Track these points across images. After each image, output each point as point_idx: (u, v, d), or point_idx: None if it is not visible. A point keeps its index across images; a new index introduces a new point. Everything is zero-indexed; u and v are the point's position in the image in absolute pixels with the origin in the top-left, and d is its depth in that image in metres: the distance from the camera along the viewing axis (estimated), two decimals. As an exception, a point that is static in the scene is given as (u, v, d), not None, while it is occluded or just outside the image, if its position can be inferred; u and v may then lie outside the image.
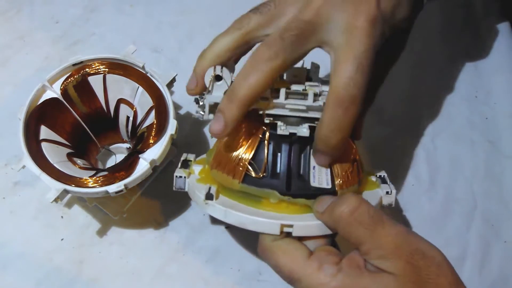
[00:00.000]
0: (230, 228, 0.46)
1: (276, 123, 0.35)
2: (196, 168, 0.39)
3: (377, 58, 0.32)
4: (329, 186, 0.35)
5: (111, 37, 0.55)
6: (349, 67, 0.31)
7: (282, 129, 0.34)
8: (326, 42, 0.32)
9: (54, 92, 0.42)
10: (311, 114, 0.35)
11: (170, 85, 0.43)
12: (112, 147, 0.47)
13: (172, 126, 0.40)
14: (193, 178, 0.38)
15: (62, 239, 0.44)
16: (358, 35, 0.31)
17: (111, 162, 0.48)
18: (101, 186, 0.38)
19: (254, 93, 0.32)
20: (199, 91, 0.35)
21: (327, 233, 0.33)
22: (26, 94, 0.41)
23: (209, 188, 0.35)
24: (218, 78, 0.34)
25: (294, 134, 0.34)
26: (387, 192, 0.38)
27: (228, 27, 0.35)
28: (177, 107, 0.50)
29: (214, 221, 0.46)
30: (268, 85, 0.32)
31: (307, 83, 0.35)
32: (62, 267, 0.43)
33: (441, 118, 0.54)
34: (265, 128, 0.35)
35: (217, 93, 0.35)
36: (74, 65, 0.42)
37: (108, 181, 0.38)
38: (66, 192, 0.38)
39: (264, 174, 0.34)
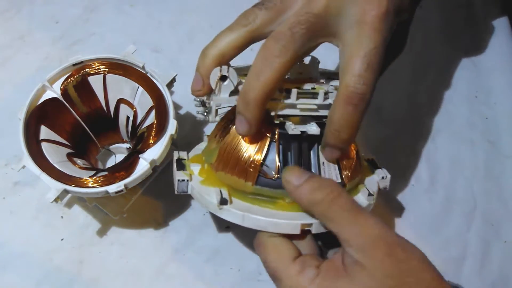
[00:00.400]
0: (230, 228, 0.46)
1: (284, 123, 0.35)
2: (194, 168, 0.38)
3: None
4: (339, 180, 0.35)
5: (111, 37, 0.55)
6: (359, 65, 0.30)
7: (293, 128, 0.34)
8: (335, 36, 0.32)
9: (54, 92, 0.42)
10: (320, 113, 0.35)
11: (170, 85, 0.43)
12: (112, 147, 0.47)
13: (172, 126, 0.40)
14: (195, 180, 0.37)
15: (62, 239, 0.44)
16: (368, 31, 0.31)
17: (111, 162, 0.47)
18: (101, 186, 0.38)
19: (269, 91, 0.32)
20: (206, 91, 0.34)
21: None
22: (26, 94, 0.41)
23: (221, 192, 0.35)
24: (223, 78, 0.34)
25: (304, 132, 0.34)
26: (383, 177, 0.39)
27: (231, 24, 0.34)
28: (177, 107, 0.50)
29: (214, 221, 0.46)
30: (280, 80, 0.32)
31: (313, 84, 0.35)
32: (62, 267, 0.43)
33: (441, 118, 0.54)
34: (274, 128, 0.35)
35: (223, 95, 0.34)
36: (74, 65, 0.42)
37: (108, 181, 0.38)
38: (66, 192, 0.38)
39: (278, 175, 0.34)
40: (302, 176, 0.33)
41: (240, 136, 0.35)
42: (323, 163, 0.35)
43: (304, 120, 0.36)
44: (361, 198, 0.37)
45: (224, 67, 0.33)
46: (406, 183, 0.50)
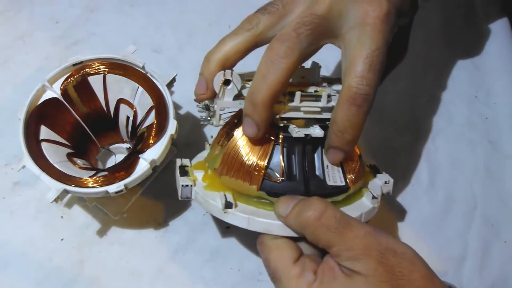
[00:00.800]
0: (230, 228, 0.46)
1: (288, 126, 0.35)
2: (198, 174, 0.38)
3: None
4: (343, 183, 0.35)
5: (111, 37, 0.55)
6: (362, 66, 0.31)
7: (297, 131, 0.34)
8: (338, 37, 0.32)
9: (54, 92, 0.42)
10: (324, 115, 0.35)
11: (170, 85, 0.43)
12: (112, 147, 0.47)
13: (172, 126, 0.40)
14: (199, 186, 0.37)
15: (62, 239, 0.44)
16: (370, 32, 0.31)
17: (111, 162, 0.47)
18: (101, 186, 0.38)
19: (276, 92, 0.32)
20: (210, 95, 0.35)
21: None
22: (26, 94, 0.41)
23: (226, 196, 0.35)
24: (227, 82, 0.34)
25: (308, 135, 0.34)
26: (385, 182, 0.38)
27: (235, 28, 0.34)
28: (177, 107, 0.50)
29: (214, 221, 0.46)
30: (287, 82, 0.32)
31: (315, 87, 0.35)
32: (62, 267, 0.43)
33: (441, 118, 0.54)
34: (278, 131, 0.35)
35: (227, 99, 0.34)
36: (74, 65, 0.42)
37: (108, 181, 0.38)
38: (66, 192, 0.38)
39: (283, 178, 0.34)
40: (289, 205, 0.33)
41: (244, 140, 0.35)
42: (327, 166, 0.35)
43: (308, 123, 0.36)
44: (366, 201, 0.37)
45: (228, 71, 0.33)
46: (406, 183, 0.50)
